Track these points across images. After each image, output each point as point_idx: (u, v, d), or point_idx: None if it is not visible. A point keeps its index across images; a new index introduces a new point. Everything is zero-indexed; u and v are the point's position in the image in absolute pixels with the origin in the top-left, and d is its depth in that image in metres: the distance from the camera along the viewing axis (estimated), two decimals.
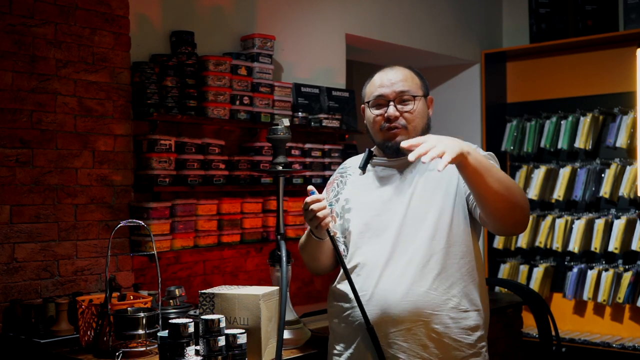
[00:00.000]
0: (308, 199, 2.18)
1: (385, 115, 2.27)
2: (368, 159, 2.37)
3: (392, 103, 2.27)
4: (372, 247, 2.25)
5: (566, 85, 5.58)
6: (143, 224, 2.60)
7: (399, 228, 2.22)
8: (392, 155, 2.32)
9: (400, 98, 2.28)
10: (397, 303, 2.16)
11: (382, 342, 2.18)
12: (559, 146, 5.45)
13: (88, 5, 3.30)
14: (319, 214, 2.16)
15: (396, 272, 2.19)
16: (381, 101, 2.30)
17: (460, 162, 1.97)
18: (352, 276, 2.27)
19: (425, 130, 2.33)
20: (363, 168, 2.35)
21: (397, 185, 2.29)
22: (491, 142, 5.75)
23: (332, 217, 2.35)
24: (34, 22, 3.13)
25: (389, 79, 2.30)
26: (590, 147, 5.30)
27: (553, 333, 3.46)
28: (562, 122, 5.47)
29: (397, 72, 2.32)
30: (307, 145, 4.20)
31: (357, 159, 2.45)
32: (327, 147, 4.29)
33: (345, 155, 4.42)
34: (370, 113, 2.33)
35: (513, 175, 5.74)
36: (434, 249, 2.18)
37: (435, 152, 1.90)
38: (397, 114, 2.27)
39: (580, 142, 5.31)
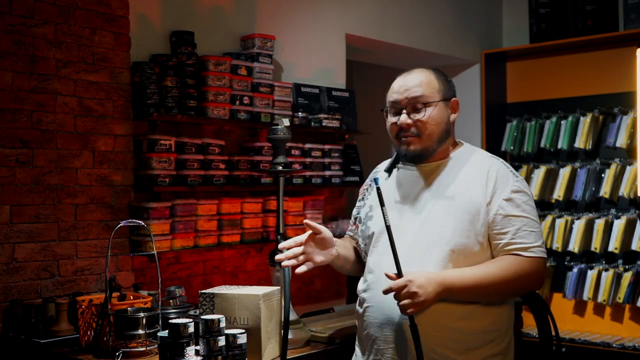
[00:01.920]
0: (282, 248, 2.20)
1: (398, 123, 2.22)
2: (395, 163, 2.34)
3: (404, 111, 2.21)
4: (384, 256, 2.19)
5: (566, 85, 5.58)
6: (143, 224, 2.60)
7: (412, 239, 2.17)
8: (410, 161, 2.27)
9: (413, 105, 2.20)
10: (402, 319, 2.12)
11: (376, 353, 2.18)
12: (559, 146, 5.45)
13: (88, 5, 3.30)
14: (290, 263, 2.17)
15: None
16: (395, 108, 2.24)
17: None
18: (362, 281, 2.28)
19: (444, 136, 2.24)
20: (389, 171, 2.34)
21: (417, 193, 2.23)
22: (491, 142, 5.75)
23: (355, 224, 2.38)
24: (34, 22, 3.13)
25: (404, 85, 2.23)
26: (590, 147, 5.30)
27: (553, 333, 3.45)
28: (562, 122, 5.47)
29: (414, 76, 2.24)
30: (307, 145, 4.20)
31: (387, 163, 2.43)
32: (327, 147, 4.29)
33: (345, 155, 4.43)
34: (387, 120, 2.28)
35: None
36: (444, 269, 2.13)
37: (407, 309, 2.00)
38: (409, 122, 2.20)
39: (580, 142, 5.31)
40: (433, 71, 2.28)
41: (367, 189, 2.43)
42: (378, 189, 2.11)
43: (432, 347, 2.11)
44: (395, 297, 2.02)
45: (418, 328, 2.05)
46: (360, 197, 2.45)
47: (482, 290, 2.09)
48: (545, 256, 2.16)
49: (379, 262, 2.22)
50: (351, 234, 2.47)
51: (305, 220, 2.20)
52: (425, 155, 2.23)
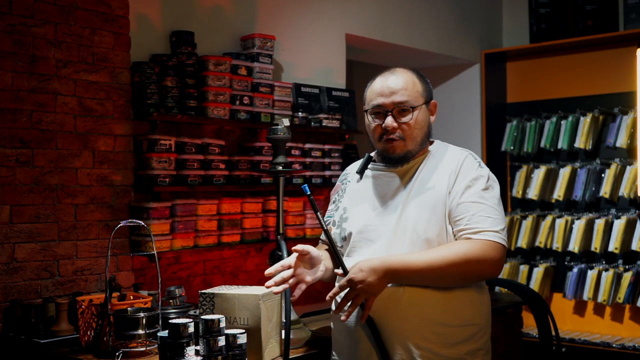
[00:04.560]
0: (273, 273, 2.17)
1: (383, 126, 2.22)
2: (366, 165, 2.35)
3: (390, 114, 2.21)
4: (363, 257, 2.20)
5: (566, 85, 5.58)
6: (143, 224, 2.60)
7: (389, 238, 2.19)
8: (392, 164, 2.28)
9: (399, 108, 2.20)
10: (380, 314, 2.13)
11: (354, 354, 2.18)
12: (559, 146, 5.45)
13: (88, 5, 3.30)
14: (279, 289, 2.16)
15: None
16: (379, 110, 2.23)
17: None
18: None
19: (425, 139, 2.26)
20: (361, 173, 2.34)
21: (393, 193, 2.25)
22: (491, 142, 5.75)
23: (329, 227, 2.35)
24: (34, 22, 3.13)
25: (389, 87, 2.22)
26: (590, 147, 5.30)
27: (553, 333, 3.45)
28: (562, 122, 5.47)
29: (398, 78, 2.23)
30: (307, 145, 4.20)
31: (357, 165, 2.43)
32: (327, 147, 4.29)
33: (345, 155, 4.42)
34: (369, 121, 2.27)
35: (513, 176, 5.75)
36: None
37: (353, 307, 2.04)
38: (395, 125, 2.20)
39: (580, 142, 5.31)
40: (414, 72, 2.27)
41: (338, 192, 2.43)
42: (309, 195, 2.12)
43: (416, 341, 2.12)
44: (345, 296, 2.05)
45: (399, 324, 2.10)
46: (332, 200, 2.45)
47: (430, 274, 2.08)
48: (502, 242, 2.11)
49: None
50: (324, 239, 2.45)
51: (294, 247, 2.17)
52: (408, 157, 2.24)
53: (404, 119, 2.20)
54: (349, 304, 2.06)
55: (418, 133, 2.23)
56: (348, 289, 2.04)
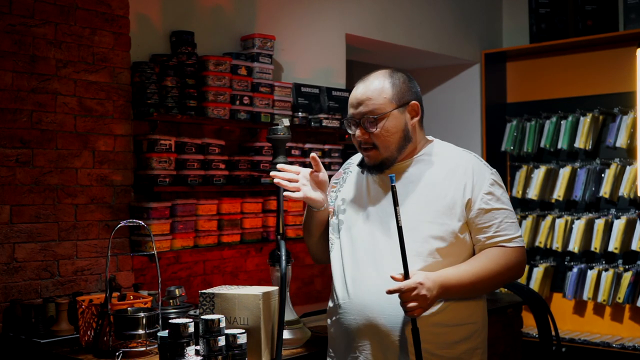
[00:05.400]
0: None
1: (355, 136, 2.23)
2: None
3: (359, 124, 2.20)
4: (359, 252, 2.21)
5: (566, 85, 5.58)
6: (143, 224, 2.60)
7: (389, 239, 2.17)
8: (371, 172, 2.27)
9: (366, 119, 2.19)
10: (379, 315, 2.13)
11: (354, 351, 2.18)
12: (559, 146, 5.45)
13: (88, 5, 3.31)
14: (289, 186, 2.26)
15: (381, 282, 2.11)
16: (351, 122, 2.24)
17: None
18: (338, 279, 2.26)
19: (403, 143, 2.21)
20: (361, 166, 2.33)
21: (388, 192, 2.22)
22: (491, 142, 5.75)
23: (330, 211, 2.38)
24: (34, 22, 3.13)
25: (356, 98, 2.21)
26: (590, 147, 5.30)
27: (553, 333, 3.46)
28: (562, 122, 5.48)
29: (366, 87, 2.21)
30: (307, 145, 4.20)
31: (360, 157, 2.41)
32: (327, 147, 4.29)
33: (345, 155, 4.42)
34: (349, 131, 2.28)
35: (513, 176, 5.75)
36: (423, 264, 2.13)
37: (415, 312, 2.02)
38: (365, 136, 2.20)
39: (580, 142, 5.31)
40: (389, 76, 2.22)
41: (339, 180, 2.41)
42: (393, 186, 2.08)
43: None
44: (400, 297, 2.02)
45: (397, 324, 2.10)
46: (330, 184, 2.43)
47: (476, 286, 2.13)
48: (525, 245, 2.24)
49: (358, 258, 2.21)
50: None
51: (312, 154, 2.26)
52: (386, 164, 2.23)
53: (371, 129, 2.19)
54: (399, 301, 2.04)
55: (390, 140, 2.20)
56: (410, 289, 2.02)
